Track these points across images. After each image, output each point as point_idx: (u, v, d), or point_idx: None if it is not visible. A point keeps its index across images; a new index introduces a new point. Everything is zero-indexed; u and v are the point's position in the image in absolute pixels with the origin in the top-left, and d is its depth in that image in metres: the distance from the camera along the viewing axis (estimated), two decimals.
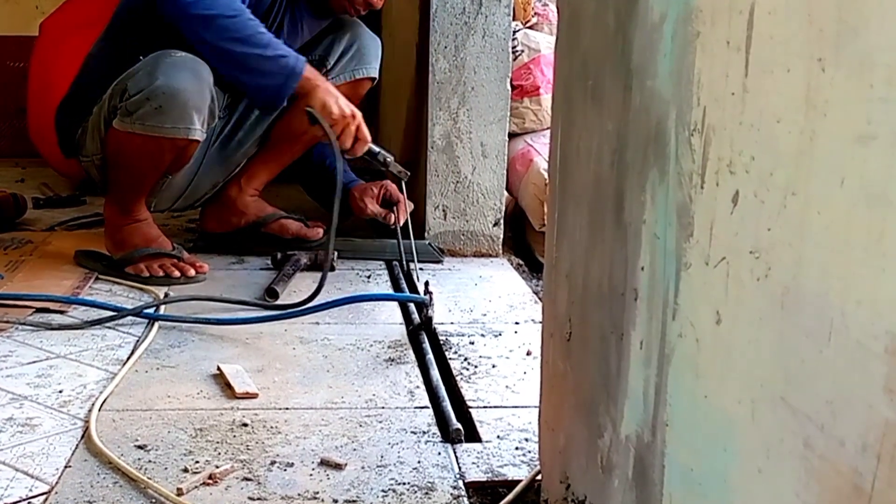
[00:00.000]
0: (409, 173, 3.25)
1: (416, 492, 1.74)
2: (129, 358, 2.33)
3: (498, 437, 1.99)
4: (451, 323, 2.72)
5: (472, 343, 2.55)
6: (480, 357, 2.45)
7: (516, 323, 2.74)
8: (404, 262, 3.20)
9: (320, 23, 3.29)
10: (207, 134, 3.02)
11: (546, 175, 3.27)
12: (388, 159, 3.17)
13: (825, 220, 0.83)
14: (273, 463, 1.82)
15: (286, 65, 2.89)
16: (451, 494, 1.74)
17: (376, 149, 3.12)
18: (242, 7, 2.88)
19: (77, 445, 1.88)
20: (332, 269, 3.14)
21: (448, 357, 2.44)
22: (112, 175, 3.04)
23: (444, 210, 3.44)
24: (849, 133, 0.79)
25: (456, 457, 1.89)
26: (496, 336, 2.62)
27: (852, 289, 0.80)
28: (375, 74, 3.39)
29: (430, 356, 2.41)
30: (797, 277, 0.87)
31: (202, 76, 2.84)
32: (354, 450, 1.89)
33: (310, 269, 3.14)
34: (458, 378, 2.30)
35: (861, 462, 0.79)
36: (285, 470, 1.80)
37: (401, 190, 3.30)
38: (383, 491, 1.73)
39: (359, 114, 2.99)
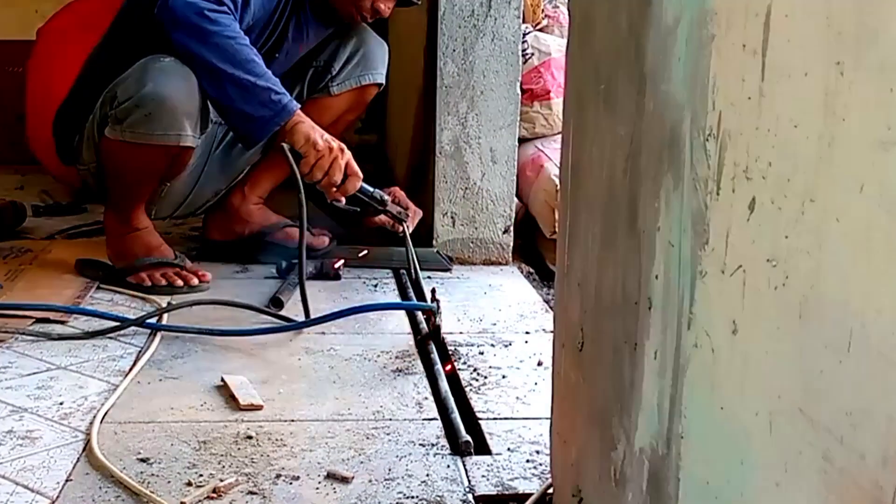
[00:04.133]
0: (409, 215, 3.22)
1: None
2: (131, 369, 2.32)
3: (508, 449, 1.97)
4: (460, 332, 2.70)
5: (481, 353, 2.53)
6: (490, 367, 2.43)
7: (527, 333, 2.72)
8: (412, 271, 3.17)
9: (326, 29, 3.26)
10: (208, 140, 3.00)
11: (557, 181, 3.26)
12: (386, 198, 3.10)
13: (844, 228, 0.82)
14: (278, 476, 1.80)
15: (278, 101, 2.79)
16: None
17: (370, 188, 3.04)
18: (240, 31, 2.81)
19: (78, 458, 1.86)
20: (339, 277, 3.13)
21: (457, 367, 2.41)
22: (108, 184, 3.02)
23: (452, 217, 3.42)
24: (868, 138, 0.78)
25: (465, 470, 1.87)
26: (506, 346, 2.60)
27: (872, 297, 0.78)
28: (382, 80, 3.36)
29: (439, 367, 2.39)
30: (816, 286, 0.86)
31: (192, 81, 2.80)
32: (361, 463, 1.88)
33: (316, 277, 3.12)
34: (467, 389, 2.28)
35: (882, 475, 0.78)
36: (291, 483, 1.78)
37: (402, 234, 3.24)
38: None
39: (347, 151, 2.87)
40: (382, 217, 3.33)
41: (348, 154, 2.87)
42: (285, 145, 2.79)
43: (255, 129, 2.82)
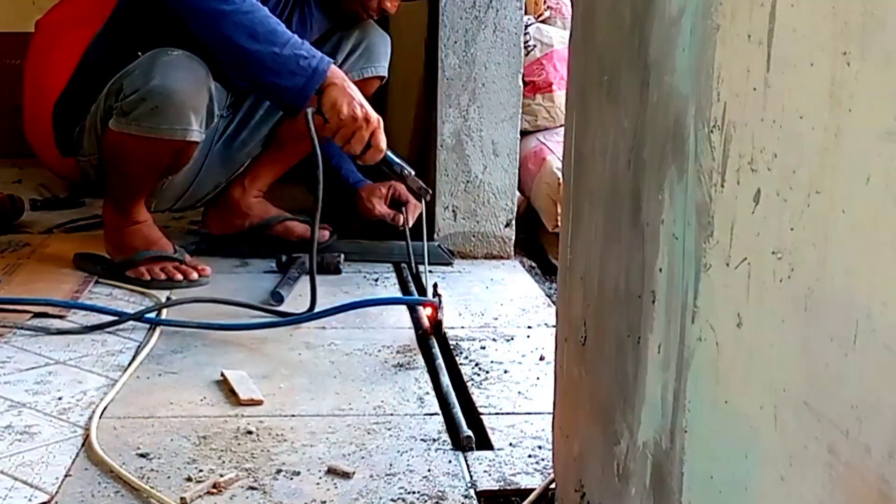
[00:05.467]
0: (430, 191, 3.15)
1: (426, 501, 1.72)
2: (130, 364, 2.31)
3: (510, 444, 1.96)
4: (462, 327, 2.69)
5: (483, 348, 2.52)
6: (492, 362, 2.42)
7: (529, 327, 2.71)
8: (413, 265, 3.16)
9: (330, 23, 3.25)
10: (209, 133, 3.00)
11: (560, 174, 3.25)
12: (407, 172, 3.03)
13: (850, 220, 0.81)
14: (279, 471, 1.80)
15: (308, 66, 2.73)
16: None
17: (395, 159, 2.98)
18: (258, 3, 2.76)
19: (77, 454, 1.85)
20: (340, 272, 3.13)
21: (459, 362, 2.41)
22: (109, 176, 3.01)
23: (453, 211, 3.41)
24: (875, 129, 0.77)
25: (467, 465, 1.86)
26: (508, 340, 2.59)
27: (879, 290, 0.78)
28: (384, 73, 3.35)
29: (440, 361, 2.38)
30: (821, 278, 0.85)
31: (200, 75, 2.80)
32: (363, 458, 1.87)
33: (316, 271, 3.10)
34: (468, 384, 2.27)
35: (888, 469, 0.77)
36: (291, 478, 1.77)
37: (396, 209, 3.25)
38: (392, 500, 1.71)
39: (377, 120, 2.82)
40: (381, 210, 3.32)
41: (375, 125, 2.81)
42: (310, 110, 2.72)
43: (291, 98, 2.76)
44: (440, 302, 2.64)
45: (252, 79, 2.80)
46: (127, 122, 2.82)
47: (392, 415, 2.08)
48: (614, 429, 1.35)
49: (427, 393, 2.21)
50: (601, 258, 1.40)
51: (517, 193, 3.46)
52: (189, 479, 1.75)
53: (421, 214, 3.24)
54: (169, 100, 2.77)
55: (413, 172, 3.07)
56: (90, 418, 1.99)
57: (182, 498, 1.66)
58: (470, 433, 1.96)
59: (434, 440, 1.96)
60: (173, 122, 2.80)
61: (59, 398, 2.12)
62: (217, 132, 3.15)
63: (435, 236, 3.41)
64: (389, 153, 2.93)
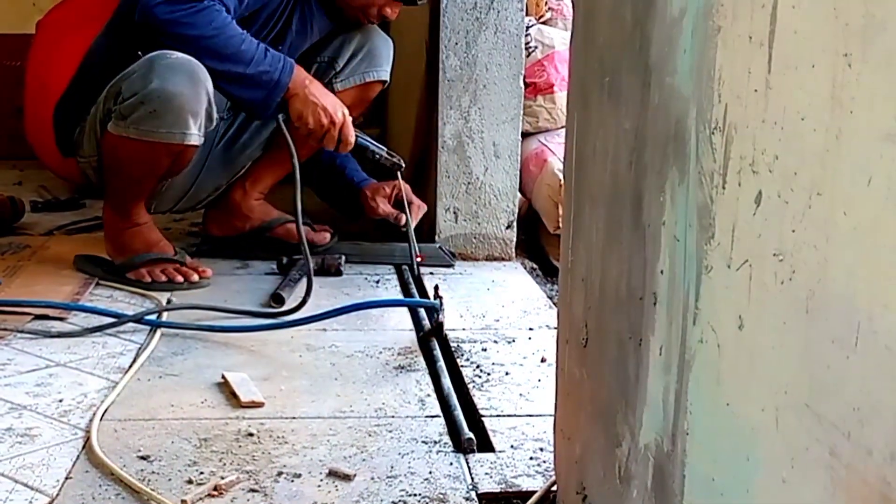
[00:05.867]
0: (402, 165, 3.25)
1: (427, 503, 1.71)
2: (130, 366, 2.31)
3: (512, 446, 1.96)
4: (463, 329, 2.69)
5: (484, 350, 2.52)
6: (493, 364, 2.41)
7: (530, 329, 2.71)
8: (415, 266, 3.16)
9: (331, 25, 3.25)
10: (210, 135, 2.99)
11: (561, 176, 3.25)
12: (378, 155, 3.20)
13: (852, 221, 0.81)
14: (280, 474, 1.79)
15: (269, 80, 2.89)
16: None
17: (365, 142, 3.15)
18: (224, 21, 2.86)
19: (78, 456, 1.85)
20: (341, 273, 3.13)
21: (460, 364, 2.41)
22: (109, 179, 3.01)
23: (455, 212, 3.41)
24: (876, 131, 0.78)
25: (468, 467, 1.86)
26: (509, 342, 2.59)
27: (880, 292, 0.78)
28: (386, 77, 3.35)
29: (442, 363, 2.38)
30: (823, 280, 0.86)
31: (199, 79, 2.80)
32: (364, 460, 1.87)
33: (317, 273, 3.10)
34: (470, 386, 2.27)
35: (889, 471, 0.78)
36: (292, 481, 1.77)
37: (400, 209, 3.27)
38: (394, 502, 1.71)
39: (342, 117, 3.01)
40: (385, 208, 3.32)
41: (340, 122, 3.01)
42: (280, 117, 2.95)
43: (258, 109, 2.97)
44: (441, 304, 2.64)
45: (221, 91, 2.91)
46: (125, 126, 2.82)
47: (393, 417, 2.08)
48: (616, 431, 1.35)
49: (428, 395, 2.20)
50: (602, 260, 1.40)
51: (518, 195, 3.45)
52: (190, 482, 1.75)
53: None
54: (168, 103, 2.77)
55: (385, 150, 3.22)
56: (91, 420, 1.99)
57: (183, 500, 1.66)
58: (471, 435, 1.95)
59: (435, 442, 1.96)
60: (172, 126, 2.79)
61: (60, 400, 2.11)
62: (217, 134, 3.15)
63: (436, 238, 3.41)
64: (360, 138, 3.11)
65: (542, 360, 2.43)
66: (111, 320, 2.59)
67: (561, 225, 1.69)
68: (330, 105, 2.98)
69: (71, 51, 3.43)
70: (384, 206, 3.34)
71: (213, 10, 2.83)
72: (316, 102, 2.95)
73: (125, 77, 2.84)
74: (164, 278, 2.97)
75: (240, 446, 1.90)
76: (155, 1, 2.78)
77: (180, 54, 2.79)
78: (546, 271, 3.41)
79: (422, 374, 2.33)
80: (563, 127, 3.29)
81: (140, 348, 2.44)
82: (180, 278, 2.98)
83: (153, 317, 2.63)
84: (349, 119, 3.03)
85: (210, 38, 2.82)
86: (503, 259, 3.45)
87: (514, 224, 3.44)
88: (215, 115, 2.93)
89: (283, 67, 2.91)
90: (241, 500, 1.70)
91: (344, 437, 1.97)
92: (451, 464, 1.87)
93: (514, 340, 2.60)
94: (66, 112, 3.09)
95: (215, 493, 1.71)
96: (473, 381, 2.29)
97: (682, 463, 1.13)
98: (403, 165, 3.25)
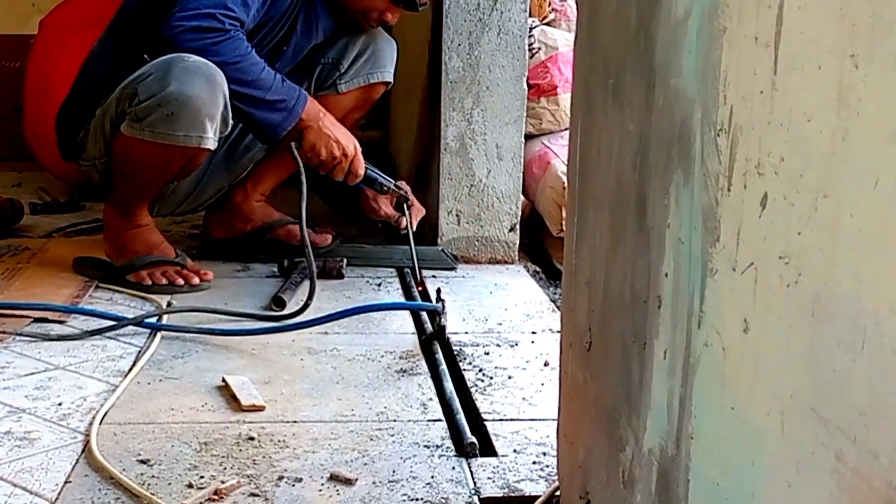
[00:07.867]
0: (409, 197, 3.28)
1: None
2: (130, 369, 2.30)
3: (514, 450, 1.96)
4: (466, 332, 2.68)
5: (487, 353, 2.52)
6: (496, 368, 2.41)
7: (533, 332, 2.70)
8: (416, 269, 3.15)
9: (335, 25, 3.25)
10: None
11: (564, 178, 3.24)
12: (386, 187, 3.24)
13: (858, 224, 0.81)
14: (281, 478, 1.79)
15: (285, 107, 2.92)
16: None
17: (375, 175, 3.20)
18: (246, 49, 2.89)
19: (77, 460, 1.85)
20: (342, 276, 3.13)
21: (462, 368, 2.40)
22: (116, 180, 3.00)
23: (457, 215, 3.40)
24: (883, 132, 0.77)
25: (471, 471, 1.86)
26: (512, 346, 2.58)
27: (887, 295, 0.77)
28: (390, 79, 3.36)
29: (444, 367, 2.37)
30: (829, 283, 0.85)
31: (216, 82, 2.79)
32: (365, 464, 1.86)
33: (318, 276, 3.09)
34: (472, 390, 2.27)
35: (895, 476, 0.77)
36: (293, 485, 1.76)
37: (401, 212, 3.28)
38: None
39: (353, 149, 3.04)
40: (386, 210, 3.32)
41: (351, 155, 3.05)
42: (292, 144, 2.96)
43: (268, 132, 2.97)
44: (444, 307, 2.63)
45: (236, 111, 2.91)
46: (141, 128, 2.81)
47: (395, 421, 2.07)
48: (619, 435, 1.34)
49: (430, 399, 2.20)
50: (606, 263, 1.39)
51: (521, 197, 3.45)
52: (190, 486, 1.74)
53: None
54: (185, 107, 2.76)
55: (392, 183, 3.24)
56: (90, 424, 1.98)
57: None
58: (474, 439, 1.95)
59: (437, 446, 1.95)
60: (189, 130, 2.79)
61: (59, 404, 2.11)
62: (221, 136, 3.14)
63: (438, 241, 3.40)
64: (369, 171, 3.15)
65: (546, 364, 2.43)
66: (111, 323, 2.59)
67: (564, 227, 1.68)
68: (342, 138, 3.01)
69: (73, 53, 3.44)
70: (386, 208, 3.34)
71: (236, 38, 2.86)
72: (329, 135, 2.98)
73: (140, 78, 2.82)
74: (164, 281, 2.97)
75: (240, 450, 1.90)
76: (180, 27, 2.79)
77: (198, 57, 2.78)
78: (549, 274, 3.41)
79: (424, 377, 2.33)
80: (566, 129, 3.30)
81: (140, 351, 2.44)
82: (181, 281, 2.98)
83: (153, 320, 2.62)
84: (360, 152, 3.06)
85: (232, 65, 2.84)
86: (506, 262, 3.44)
87: (517, 227, 3.43)
88: (231, 119, 2.92)
89: (298, 98, 2.94)
90: None
91: (345, 441, 1.96)
92: (454, 468, 1.86)
93: (516, 344, 2.60)
94: (69, 116, 3.09)
95: (215, 497, 1.70)
96: (476, 385, 2.29)
97: (687, 467, 1.13)
98: (410, 198, 3.28)
